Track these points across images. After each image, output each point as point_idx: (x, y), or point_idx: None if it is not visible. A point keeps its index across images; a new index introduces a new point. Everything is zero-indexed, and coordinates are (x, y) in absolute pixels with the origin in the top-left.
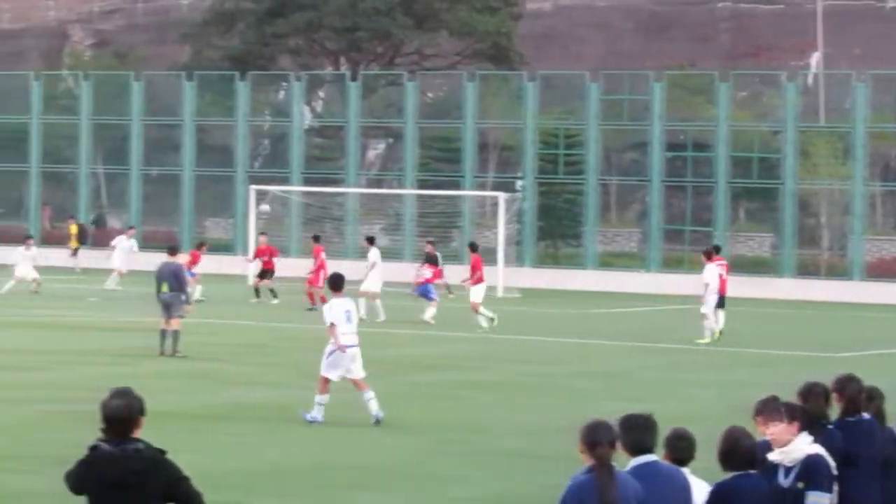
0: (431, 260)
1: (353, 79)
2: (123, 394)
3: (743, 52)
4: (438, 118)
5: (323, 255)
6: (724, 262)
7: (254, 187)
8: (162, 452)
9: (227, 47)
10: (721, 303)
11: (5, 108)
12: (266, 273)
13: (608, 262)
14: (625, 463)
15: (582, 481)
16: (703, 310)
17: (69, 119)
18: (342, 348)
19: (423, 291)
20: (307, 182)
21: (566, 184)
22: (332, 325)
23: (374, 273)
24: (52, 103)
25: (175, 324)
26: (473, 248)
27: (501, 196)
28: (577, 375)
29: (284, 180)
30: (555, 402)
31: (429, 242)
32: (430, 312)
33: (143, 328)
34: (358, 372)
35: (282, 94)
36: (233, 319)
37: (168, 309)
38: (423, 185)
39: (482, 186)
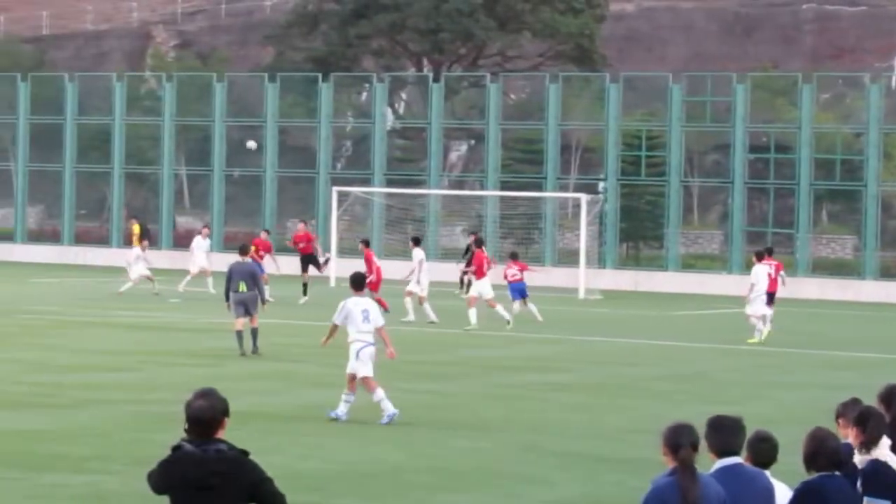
0: (513, 256)
1: (436, 80)
2: (207, 395)
3: (826, 53)
4: (521, 120)
5: (375, 259)
6: (773, 262)
7: (336, 189)
8: (245, 453)
9: (309, 49)
10: (770, 300)
11: (89, 109)
12: (306, 261)
13: (690, 263)
14: (709, 465)
15: (664, 483)
16: (748, 311)
17: (152, 120)
18: (324, 344)
19: (519, 289)
20: (389, 183)
21: (648, 185)
22: (336, 325)
23: (421, 274)
24: (135, 104)
25: (255, 321)
26: (479, 243)
27: (583, 198)
28: (659, 378)
29: (366, 182)
30: (637, 404)
31: (472, 234)
32: (533, 309)
33: (226, 329)
34: (366, 371)
35: (364, 95)
36: (313, 320)
37: (247, 308)
38: (505, 186)
39: (564, 188)
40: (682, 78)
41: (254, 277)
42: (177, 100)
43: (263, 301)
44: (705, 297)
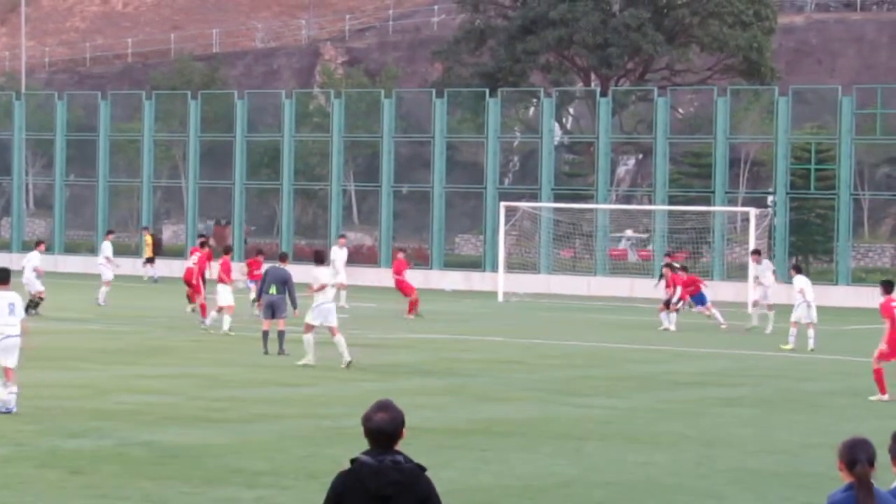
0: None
1: (604, 94)
2: (387, 407)
3: None
4: (689, 133)
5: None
6: None
7: (504, 204)
8: (422, 468)
9: (477, 64)
10: None
11: (259, 126)
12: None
13: (860, 277)
14: (890, 481)
15: (840, 499)
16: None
17: (321, 136)
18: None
19: (699, 300)
20: (557, 198)
21: (818, 199)
22: None
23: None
24: (305, 121)
25: (281, 324)
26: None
27: (752, 211)
28: (833, 392)
29: (534, 196)
30: (811, 418)
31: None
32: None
33: (395, 344)
34: (10, 361)
35: (532, 110)
36: (485, 335)
37: (273, 310)
38: (673, 200)
39: (733, 202)
40: (852, 90)
41: (285, 283)
42: (346, 116)
43: (295, 307)
44: (877, 311)
